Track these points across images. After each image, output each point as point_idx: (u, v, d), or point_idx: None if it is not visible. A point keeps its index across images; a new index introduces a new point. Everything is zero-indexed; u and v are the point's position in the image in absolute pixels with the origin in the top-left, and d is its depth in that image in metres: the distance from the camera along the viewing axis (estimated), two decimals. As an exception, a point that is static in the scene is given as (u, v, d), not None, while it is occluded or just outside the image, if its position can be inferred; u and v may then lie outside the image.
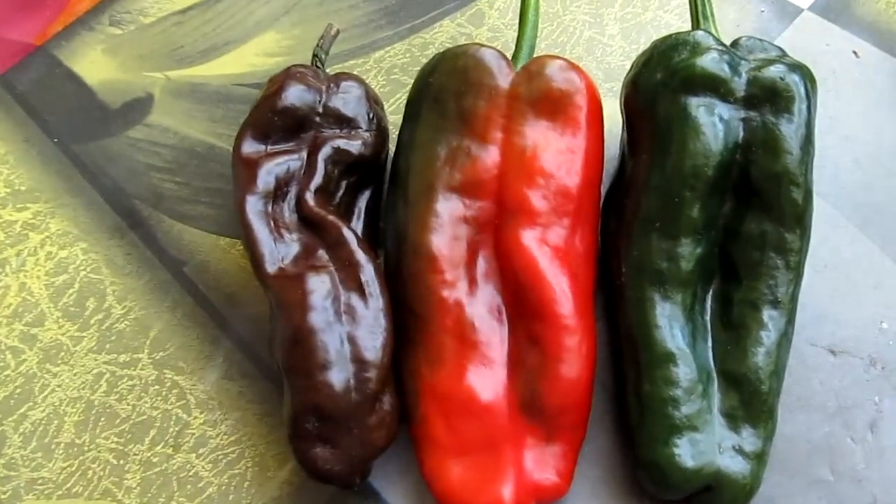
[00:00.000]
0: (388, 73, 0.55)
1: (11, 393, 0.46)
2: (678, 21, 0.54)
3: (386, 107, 0.53)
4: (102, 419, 0.45)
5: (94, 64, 0.57)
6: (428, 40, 0.56)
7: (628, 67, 0.45)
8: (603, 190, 0.44)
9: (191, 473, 0.44)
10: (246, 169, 0.43)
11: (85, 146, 0.54)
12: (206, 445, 0.44)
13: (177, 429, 0.45)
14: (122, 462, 0.44)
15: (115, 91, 0.56)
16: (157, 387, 0.46)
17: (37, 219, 0.51)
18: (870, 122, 0.50)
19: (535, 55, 0.44)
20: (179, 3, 0.59)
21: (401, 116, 0.45)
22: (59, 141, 0.54)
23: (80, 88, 0.56)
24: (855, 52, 0.52)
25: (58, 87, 0.56)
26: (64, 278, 0.49)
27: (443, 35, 0.56)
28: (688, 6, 0.45)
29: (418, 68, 0.46)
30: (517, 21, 0.46)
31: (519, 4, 0.45)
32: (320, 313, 0.39)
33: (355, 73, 0.54)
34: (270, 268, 0.41)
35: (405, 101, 0.45)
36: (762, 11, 0.55)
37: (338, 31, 0.49)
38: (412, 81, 0.46)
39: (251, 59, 0.56)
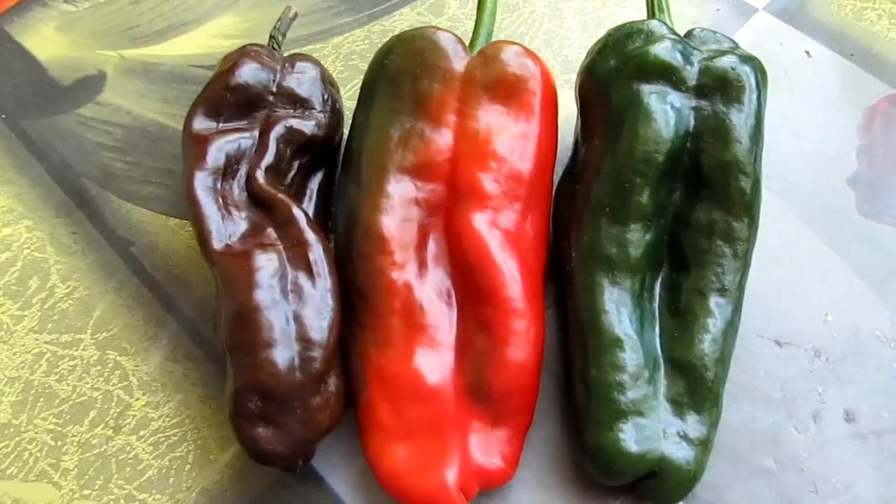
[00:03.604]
0: (346, 59, 0.54)
1: (-54, 371, 0.45)
2: (636, 16, 0.54)
3: (343, 92, 0.52)
4: (41, 400, 0.44)
5: (46, 40, 0.56)
6: (387, 27, 0.55)
7: (585, 59, 0.45)
8: (556, 178, 0.45)
9: (130, 456, 0.43)
10: (196, 145, 0.42)
11: (33, 122, 0.53)
12: (148, 427, 0.43)
13: (118, 410, 0.44)
14: (59, 443, 0.43)
15: (67, 68, 0.54)
16: (98, 367, 0.45)
17: (-20, 195, 0.50)
18: (819, 120, 0.51)
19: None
20: (136, -17, 0.58)
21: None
22: (6, 117, 0.53)
23: (30, 64, 0.55)
24: (807, 52, 0.53)
25: (7, 63, 0.55)
26: (6, 256, 0.48)
27: (402, 23, 0.56)
28: (645, 2, 0.46)
29: (376, 55, 0.45)
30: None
31: (477, -8, 0.45)
32: (266, 291, 0.38)
33: (313, 57, 0.53)
34: (217, 244, 0.40)
35: (361, 85, 0.45)
36: (718, 10, 0.55)
37: (296, 14, 0.49)
38: (369, 66, 0.46)
39: (208, 40, 0.55)
